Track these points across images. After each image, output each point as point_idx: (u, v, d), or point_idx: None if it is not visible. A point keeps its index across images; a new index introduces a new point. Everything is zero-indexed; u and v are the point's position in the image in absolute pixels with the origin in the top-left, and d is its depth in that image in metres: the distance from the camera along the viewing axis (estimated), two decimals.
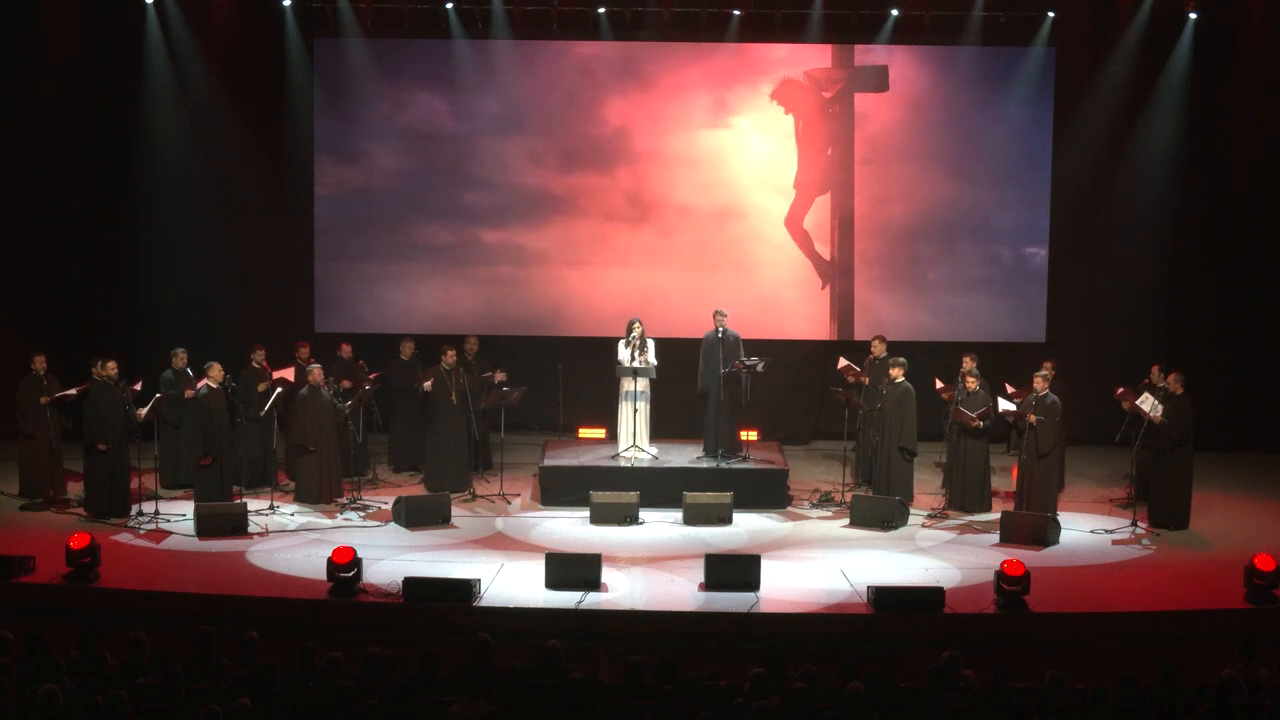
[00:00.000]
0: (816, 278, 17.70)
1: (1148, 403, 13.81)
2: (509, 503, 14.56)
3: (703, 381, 15.08)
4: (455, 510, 13.95)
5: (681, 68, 17.43)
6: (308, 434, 14.31)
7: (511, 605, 11.29)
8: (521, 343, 17.38)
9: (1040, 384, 13.89)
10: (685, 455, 15.17)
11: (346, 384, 15.08)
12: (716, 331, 15.03)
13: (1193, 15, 16.92)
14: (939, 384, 15.01)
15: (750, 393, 15.07)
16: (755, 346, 15.27)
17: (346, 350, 15.77)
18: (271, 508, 13.96)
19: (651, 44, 17.36)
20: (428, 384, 14.69)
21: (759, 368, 14.87)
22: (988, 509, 14.28)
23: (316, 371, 14.49)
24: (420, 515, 13.63)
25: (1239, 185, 17.42)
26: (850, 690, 8.31)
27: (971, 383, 14.32)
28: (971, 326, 17.47)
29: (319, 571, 11.64)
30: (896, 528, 13.73)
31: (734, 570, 11.81)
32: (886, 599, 11.31)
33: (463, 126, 17.49)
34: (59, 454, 14.47)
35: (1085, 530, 13.73)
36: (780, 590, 11.78)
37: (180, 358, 14.93)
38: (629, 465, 14.72)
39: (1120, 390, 14.46)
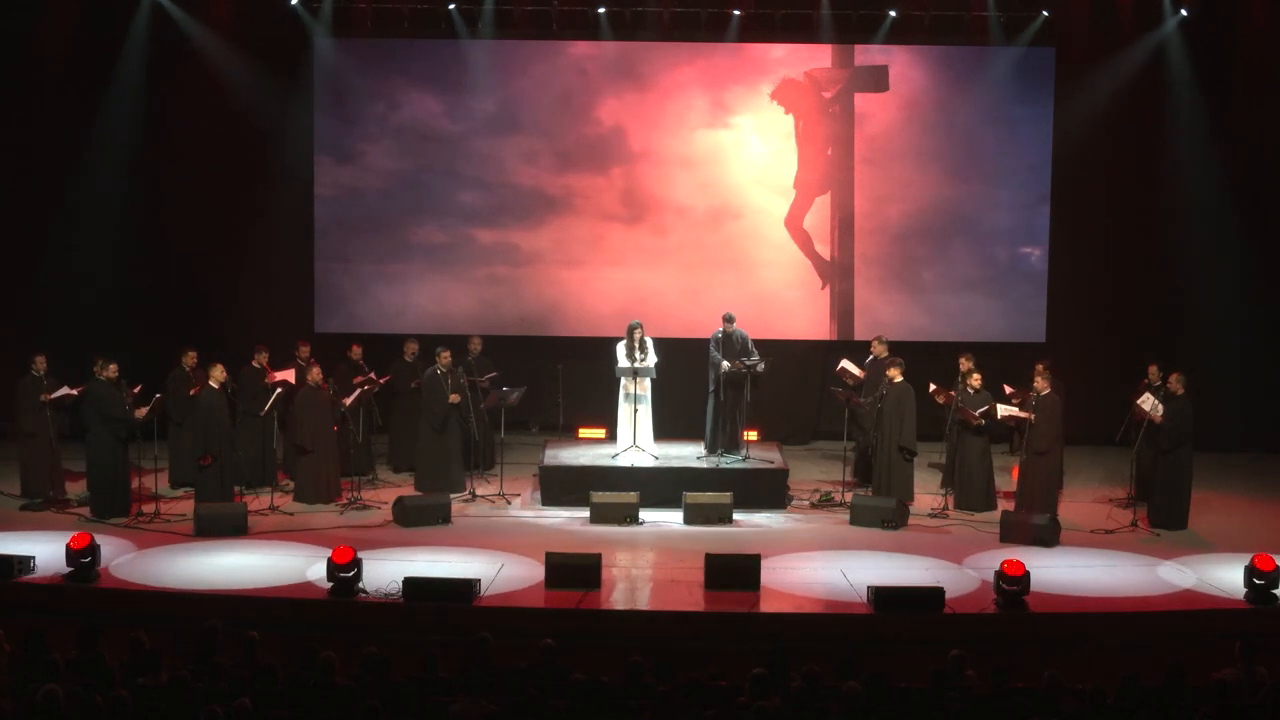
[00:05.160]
0: (816, 278, 17.70)
1: (1148, 402, 13.81)
2: (509, 503, 14.57)
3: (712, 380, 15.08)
4: (455, 510, 13.96)
5: (681, 68, 17.44)
6: (306, 434, 14.32)
7: (511, 605, 11.30)
8: (522, 343, 17.39)
9: (1041, 383, 13.93)
10: (685, 455, 15.17)
11: (359, 381, 15.06)
12: (719, 332, 15.02)
13: (1183, 12, 16.92)
14: (933, 388, 14.96)
15: (752, 392, 15.06)
16: (756, 347, 15.26)
17: (356, 351, 15.78)
18: (272, 508, 13.98)
19: (651, 44, 17.38)
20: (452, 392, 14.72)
21: (758, 367, 14.87)
22: (990, 508, 14.31)
23: (316, 371, 14.52)
24: (420, 515, 13.64)
25: (1238, 184, 17.42)
26: (849, 690, 8.31)
27: (976, 380, 14.36)
28: (971, 326, 17.49)
29: (319, 571, 11.65)
30: (896, 528, 13.73)
31: (734, 570, 11.81)
32: (886, 599, 11.31)
33: (462, 127, 17.50)
34: (58, 454, 14.49)
35: (1085, 530, 13.73)
36: (780, 590, 11.79)
37: (191, 357, 14.96)
38: (629, 465, 14.72)
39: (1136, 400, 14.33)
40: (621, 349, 15.02)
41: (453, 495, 14.38)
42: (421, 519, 13.61)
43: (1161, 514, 13.83)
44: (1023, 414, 13.94)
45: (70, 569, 11.58)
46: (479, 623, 10.34)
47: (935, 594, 11.39)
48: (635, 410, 14.98)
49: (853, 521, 13.96)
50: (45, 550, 12.00)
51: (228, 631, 9.30)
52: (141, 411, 13.67)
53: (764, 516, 14.25)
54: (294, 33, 17.21)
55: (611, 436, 15.64)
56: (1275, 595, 11.50)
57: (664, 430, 15.47)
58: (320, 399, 14.44)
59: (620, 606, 11.51)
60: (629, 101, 17.50)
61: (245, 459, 14.61)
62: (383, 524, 13.70)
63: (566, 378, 15.82)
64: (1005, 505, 14.24)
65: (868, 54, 17.38)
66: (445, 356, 14.83)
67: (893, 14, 17.01)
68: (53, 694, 7.63)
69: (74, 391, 14.29)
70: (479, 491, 14.81)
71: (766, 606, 11.46)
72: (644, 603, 11.75)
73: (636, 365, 14.89)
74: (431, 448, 14.81)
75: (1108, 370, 16.90)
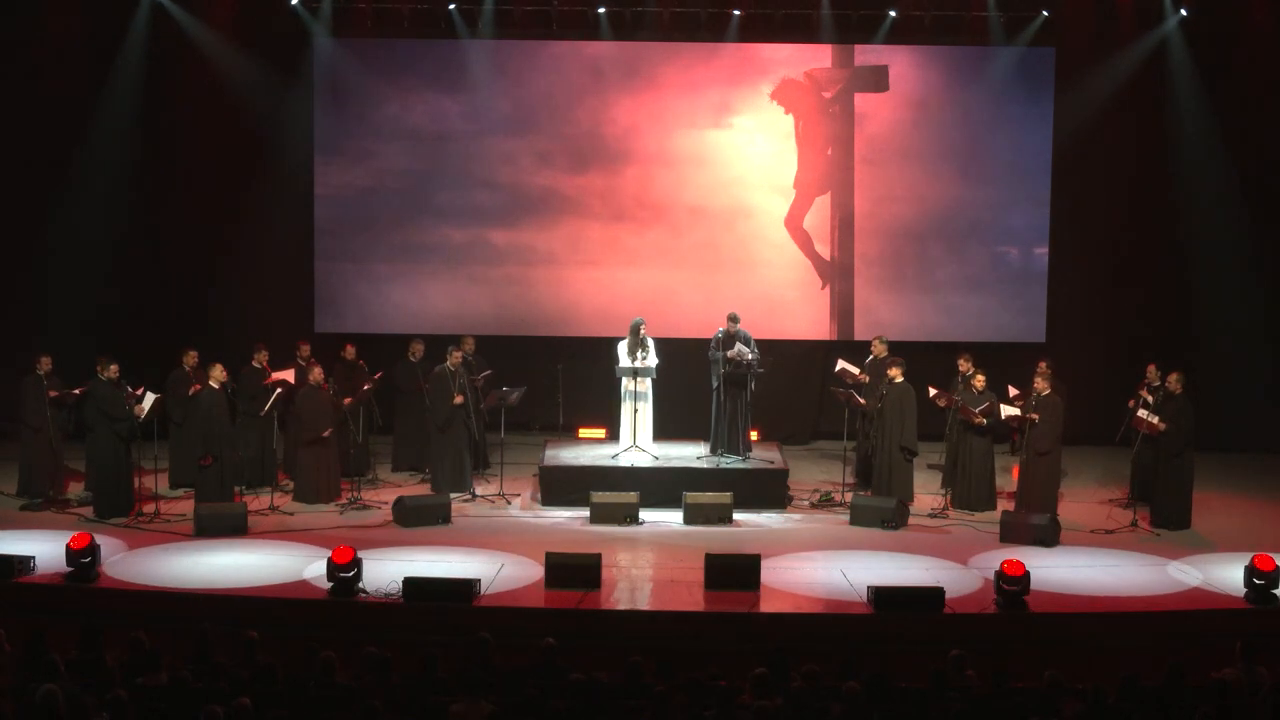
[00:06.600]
0: (816, 278, 17.70)
1: (1144, 413, 13.81)
2: (509, 503, 14.57)
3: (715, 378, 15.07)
4: (455, 510, 13.96)
5: (681, 68, 17.43)
6: (307, 434, 14.32)
7: (511, 605, 11.30)
8: (522, 343, 17.39)
9: (1042, 384, 13.95)
10: (685, 455, 15.17)
11: (368, 388, 15.03)
12: (721, 331, 14.99)
13: (1183, 11, 16.92)
14: (933, 391, 14.93)
15: (752, 392, 15.03)
16: (757, 347, 15.24)
17: (350, 351, 15.78)
18: (272, 508, 13.98)
19: (651, 44, 17.37)
20: (458, 397, 14.69)
21: (757, 367, 14.84)
22: (992, 507, 14.31)
23: (317, 371, 14.53)
24: (420, 515, 13.64)
25: (1237, 183, 17.41)
26: (849, 690, 8.31)
27: (980, 382, 14.36)
28: (971, 326, 17.49)
29: (319, 571, 11.65)
30: (896, 528, 13.73)
31: (734, 570, 11.81)
32: (886, 599, 11.31)
33: (463, 126, 17.49)
34: (60, 453, 14.49)
35: (1085, 530, 13.73)
36: (780, 590, 11.79)
37: (191, 357, 14.97)
38: (629, 465, 14.72)
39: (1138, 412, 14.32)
40: (623, 347, 15.01)
41: (457, 495, 14.38)
42: (421, 519, 13.61)
43: (1163, 514, 13.83)
44: (1025, 414, 13.94)
45: (70, 569, 11.59)
46: (479, 623, 10.34)
47: (935, 594, 11.38)
48: (636, 410, 14.97)
49: (853, 521, 13.96)
50: (45, 550, 12.01)
51: (227, 631, 9.31)
52: (141, 411, 13.68)
53: (764, 516, 14.24)
54: (294, 32, 17.21)
55: (612, 436, 15.64)
56: (1275, 595, 11.50)
57: (664, 430, 15.46)
58: (320, 399, 14.45)
59: (620, 606, 11.51)
60: (628, 101, 17.49)
61: (245, 459, 14.62)
62: (383, 524, 13.70)
63: (566, 378, 15.83)
64: (1005, 505, 14.24)
65: (868, 54, 17.38)
66: (456, 356, 14.82)
67: (893, 14, 17.01)
68: (52, 694, 7.63)
69: (76, 391, 14.30)
70: (478, 491, 14.81)
71: (766, 606, 11.46)
72: (644, 603, 11.75)
73: (637, 365, 14.88)
74: (444, 448, 14.79)
75: (1108, 370, 16.91)
